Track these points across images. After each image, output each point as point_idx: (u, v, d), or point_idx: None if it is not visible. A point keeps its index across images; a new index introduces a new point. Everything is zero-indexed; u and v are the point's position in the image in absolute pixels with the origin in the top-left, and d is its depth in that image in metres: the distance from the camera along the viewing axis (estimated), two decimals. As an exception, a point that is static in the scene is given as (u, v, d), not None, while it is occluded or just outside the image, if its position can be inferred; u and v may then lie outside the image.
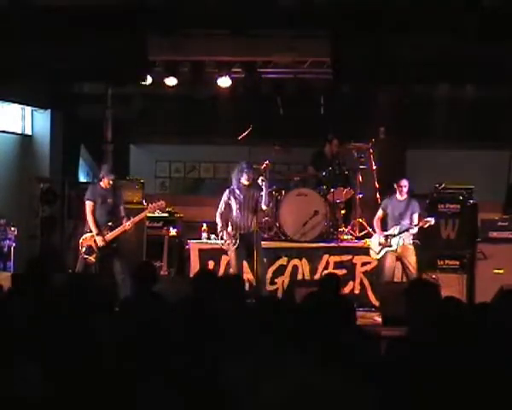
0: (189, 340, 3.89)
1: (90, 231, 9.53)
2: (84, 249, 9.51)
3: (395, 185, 10.01)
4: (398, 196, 9.95)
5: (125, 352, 3.77)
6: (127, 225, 9.50)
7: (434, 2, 9.93)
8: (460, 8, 9.69)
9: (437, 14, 9.74)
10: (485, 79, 10.90)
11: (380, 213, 10.10)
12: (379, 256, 9.96)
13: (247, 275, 10.04)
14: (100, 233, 9.49)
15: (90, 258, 9.47)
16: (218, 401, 3.42)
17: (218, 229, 9.60)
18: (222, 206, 9.56)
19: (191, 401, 3.43)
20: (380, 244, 9.91)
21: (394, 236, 9.78)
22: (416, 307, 3.98)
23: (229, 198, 9.53)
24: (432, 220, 9.78)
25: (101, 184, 9.63)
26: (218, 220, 9.56)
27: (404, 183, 9.93)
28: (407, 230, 9.74)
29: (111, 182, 9.56)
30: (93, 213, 9.56)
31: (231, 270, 9.77)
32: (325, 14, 10.07)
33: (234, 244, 9.42)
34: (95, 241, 9.47)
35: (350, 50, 10.16)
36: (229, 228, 9.48)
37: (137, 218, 9.66)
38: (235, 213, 9.47)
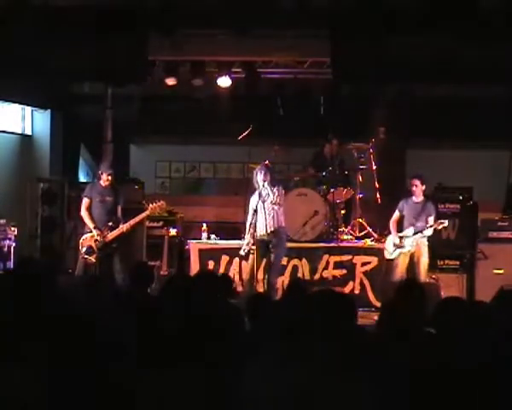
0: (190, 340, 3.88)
1: (90, 232, 9.53)
2: (84, 250, 9.52)
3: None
4: (413, 197, 9.82)
5: (122, 350, 3.77)
6: (124, 227, 9.52)
7: (434, 2, 9.92)
8: (460, 8, 9.68)
9: (437, 14, 9.74)
10: (485, 79, 10.89)
11: (396, 214, 9.94)
12: (392, 257, 9.89)
13: (248, 275, 10.05)
14: (96, 227, 9.49)
15: (90, 258, 9.47)
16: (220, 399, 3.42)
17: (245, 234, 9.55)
18: (249, 215, 9.46)
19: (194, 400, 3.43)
20: (394, 245, 9.83)
21: (408, 237, 9.72)
22: (402, 310, 3.98)
23: (252, 203, 9.47)
24: (446, 222, 9.71)
25: (101, 182, 9.63)
26: (247, 228, 9.47)
27: (415, 182, 9.74)
28: (421, 231, 9.66)
29: (109, 177, 9.55)
30: (88, 209, 9.59)
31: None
32: (325, 14, 10.07)
33: (252, 253, 9.39)
34: (95, 241, 9.47)
35: (350, 50, 10.15)
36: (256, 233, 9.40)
37: (135, 220, 9.66)
38: (257, 216, 9.39)
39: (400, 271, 9.75)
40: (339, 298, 3.54)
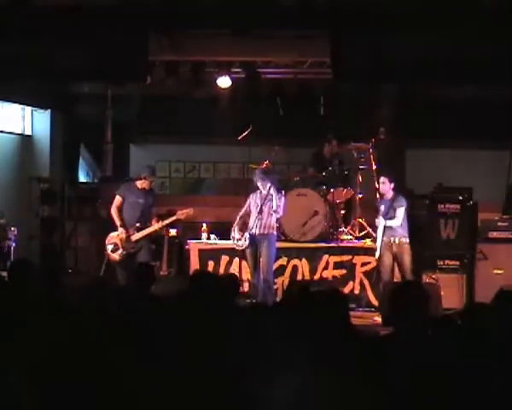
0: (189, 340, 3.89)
1: (117, 230, 9.68)
2: (109, 247, 9.68)
3: None
4: (386, 196, 9.97)
5: (123, 352, 3.77)
6: (157, 225, 9.68)
7: (434, 2, 9.92)
8: (460, 8, 9.68)
9: (437, 14, 9.74)
10: (485, 79, 10.89)
11: (377, 220, 10.11)
12: (376, 257, 9.97)
13: (248, 275, 10.08)
14: (123, 225, 9.63)
15: (114, 255, 9.64)
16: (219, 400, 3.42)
17: (233, 227, 9.68)
18: (244, 208, 9.65)
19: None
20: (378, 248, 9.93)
21: (381, 236, 9.81)
22: (401, 310, 3.97)
23: (249, 201, 9.59)
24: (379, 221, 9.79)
25: (137, 183, 9.76)
26: (236, 220, 9.64)
27: (382, 179, 9.97)
28: (385, 225, 9.74)
29: (152, 183, 9.77)
30: (118, 207, 9.71)
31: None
32: (325, 15, 10.06)
33: (241, 245, 9.46)
34: (121, 239, 9.61)
35: (350, 50, 10.14)
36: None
37: (167, 221, 9.82)
38: (252, 215, 9.50)
39: (386, 270, 9.80)
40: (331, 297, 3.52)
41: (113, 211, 9.73)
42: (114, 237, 9.67)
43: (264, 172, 9.70)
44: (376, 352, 3.68)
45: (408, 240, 9.79)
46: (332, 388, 3.08)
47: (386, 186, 9.93)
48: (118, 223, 9.65)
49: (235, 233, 9.60)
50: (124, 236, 9.58)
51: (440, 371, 3.48)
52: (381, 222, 9.78)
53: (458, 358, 3.60)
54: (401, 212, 9.77)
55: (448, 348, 3.72)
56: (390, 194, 9.96)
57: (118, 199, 9.75)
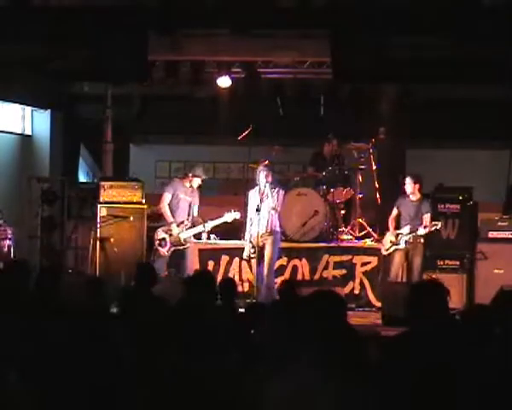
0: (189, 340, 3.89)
1: (165, 225, 9.93)
2: (157, 242, 9.95)
3: None
4: (410, 196, 9.98)
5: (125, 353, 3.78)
6: (204, 226, 9.93)
7: (434, 2, 9.92)
8: (460, 8, 9.68)
9: (437, 15, 9.73)
10: (485, 79, 10.89)
11: (394, 211, 10.13)
12: (387, 252, 10.00)
13: (247, 275, 10.09)
14: (175, 221, 9.87)
15: (163, 250, 9.89)
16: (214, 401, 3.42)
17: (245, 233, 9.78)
18: (249, 213, 9.72)
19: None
20: (390, 242, 9.96)
21: (403, 235, 9.83)
22: (420, 308, 3.95)
23: (249, 200, 9.69)
24: (439, 224, 9.80)
25: (186, 182, 9.99)
26: (247, 227, 9.70)
27: (405, 180, 10.00)
28: (414, 231, 9.75)
29: (199, 183, 9.95)
30: (168, 204, 9.94)
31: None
32: (325, 15, 10.06)
33: (249, 252, 9.53)
34: (171, 235, 9.88)
35: (350, 50, 10.14)
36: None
37: (215, 223, 10.00)
38: (253, 214, 9.53)
39: (395, 269, 9.87)
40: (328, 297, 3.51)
41: (164, 208, 9.96)
42: (164, 232, 9.90)
43: (268, 167, 9.74)
44: (388, 352, 3.68)
45: (423, 241, 9.84)
46: (332, 388, 3.08)
47: (409, 187, 9.95)
48: (170, 220, 9.91)
49: (248, 240, 9.60)
50: (175, 232, 9.83)
51: (445, 371, 3.48)
52: (421, 231, 9.72)
53: (460, 357, 3.60)
54: (428, 218, 9.82)
55: (451, 347, 3.72)
56: (417, 195, 9.98)
57: (167, 196, 9.99)
